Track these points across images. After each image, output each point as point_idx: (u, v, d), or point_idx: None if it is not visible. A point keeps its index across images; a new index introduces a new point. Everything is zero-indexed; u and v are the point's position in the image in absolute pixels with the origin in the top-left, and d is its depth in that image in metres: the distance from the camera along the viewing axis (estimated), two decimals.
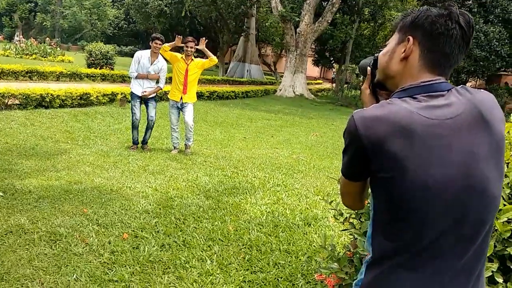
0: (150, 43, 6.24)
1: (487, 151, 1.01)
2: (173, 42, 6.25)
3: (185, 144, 6.65)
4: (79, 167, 5.08)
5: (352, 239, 2.42)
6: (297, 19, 21.81)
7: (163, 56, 6.38)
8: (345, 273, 2.22)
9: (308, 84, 24.96)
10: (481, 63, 18.48)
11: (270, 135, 9.39)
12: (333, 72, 47.44)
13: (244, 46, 32.44)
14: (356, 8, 23.94)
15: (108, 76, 14.70)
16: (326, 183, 5.90)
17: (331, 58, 29.51)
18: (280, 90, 21.85)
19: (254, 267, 3.21)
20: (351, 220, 2.60)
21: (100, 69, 15.25)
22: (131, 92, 6.34)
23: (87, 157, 5.54)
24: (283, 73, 23.11)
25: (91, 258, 2.98)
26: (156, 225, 3.70)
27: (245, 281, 2.99)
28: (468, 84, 33.83)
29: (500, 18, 18.53)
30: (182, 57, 6.31)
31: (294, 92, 21.78)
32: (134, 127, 6.41)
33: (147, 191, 4.57)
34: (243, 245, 3.55)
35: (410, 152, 0.99)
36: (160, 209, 4.10)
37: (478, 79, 27.84)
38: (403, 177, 1.00)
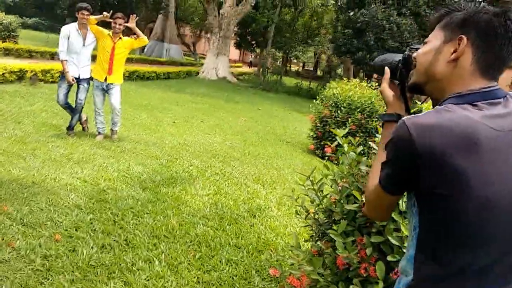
0: (76, 14, 5.58)
1: None
2: (100, 16, 5.66)
3: (111, 129, 6.13)
4: None
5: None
6: (221, 0, 21.41)
7: None
8: (319, 274, 2.13)
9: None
10: (394, 53, 19.64)
11: (200, 120, 9.08)
12: (251, 56, 47.73)
13: (163, 25, 31.12)
14: None
15: (13, 51, 13.14)
16: (263, 171, 5.82)
17: (253, 42, 29.51)
18: (203, 72, 21.38)
19: (206, 265, 3.02)
20: (316, 216, 2.50)
21: (2, 42, 13.55)
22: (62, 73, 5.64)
23: None
24: (203, 54, 22.65)
25: (21, 265, 2.56)
26: (91, 223, 3.31)
27: (199, 282, 2.79)
28: None
29: (411, 11, 19.78)
30: (109, 33, 5.76)
31: (217, 75, 21.46)
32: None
33: (75, 183, 4.10)
34: (190, 242, 3.33)
35: (474, 167, 0.87)
36: (93, 203, 3.69)
37: None
38: (464, 194, 0.88)
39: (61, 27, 5.71)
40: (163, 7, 30.13)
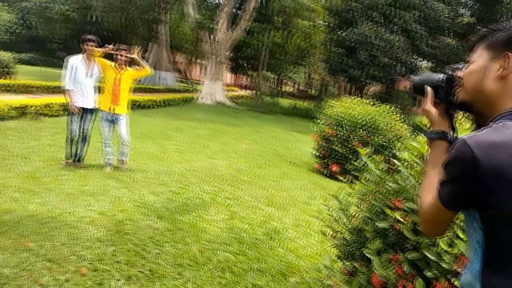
0: (83, 46, 5.69)
1: None
2: (104, 49, 5.77)
3: (121, 160, 6.16)
4: (5, 193, 4.41)
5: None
6: (213, 26, 21.75)
7: None
8: None
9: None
10: (386, 69, 19.96)
11: (204, 145, 9.13)
12: (246, 79, 48.18)
13: (156, 53, 31.53)
14: (269, 16, 24.51)
15: (13, 87, 13.23)
16: (273, 192, 5.84)
17: (247, 66, 29.86)
18: (202, 98, 21.54)
19: None
20: (349, 237, 2.52)
21: (3, 79, 13.64)
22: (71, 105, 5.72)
23: (10, 181, 4.85)
24: (197, 80, 22.89)
25: None
26: (114, 255, 3.31)
27: None
28: (370, 89, 36.39)
29: (401, 29, 20.20)
30: (112, 65, 5.86)
31: (214, 100, 21.62)
32: (71, 142, 5.83)
33: (92, 215, 4.11)
34: (214, 268, 3.33)
35: None
36: (113, 235, 3.69)
37: (380, 84, 29.95)
38: None
39: (58, 60, 5.81)
40: (155, 36, 30.57)
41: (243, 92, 39.64)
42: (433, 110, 1.28)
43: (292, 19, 26.24)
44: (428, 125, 1.32)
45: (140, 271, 3.10)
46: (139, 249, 3.48)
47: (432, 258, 1.90)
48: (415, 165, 2.29)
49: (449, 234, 1.89)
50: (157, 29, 30.05)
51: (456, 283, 1.82)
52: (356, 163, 2.56)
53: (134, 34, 30.93)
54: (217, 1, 28.56)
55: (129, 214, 4.30)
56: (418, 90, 1.36)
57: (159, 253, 3.46)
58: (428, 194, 1.15)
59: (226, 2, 21.48)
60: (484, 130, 1.00)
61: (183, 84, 35.95)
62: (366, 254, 2.11)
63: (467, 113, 1.24)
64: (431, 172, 1.21)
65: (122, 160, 6.14)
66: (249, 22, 21.90)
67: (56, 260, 3.09)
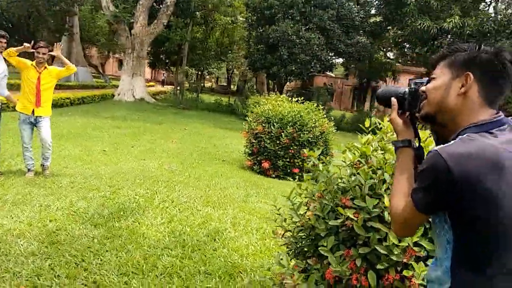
0: None
1: None
2: (21, 47, 5.33)
3: (42, 165, 5.74)
4: None
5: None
6: (131, 20, 20.94)
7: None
8: None
9: None
10: (304, 65, 20.73)
11: (130, 146, 8.82)
12: (163, 74, 47.12)
13: (68, 47, 29.51)
14: (189, 11, 24.16)
15: None
16: (209, 192, 5.84)
17: (167, 61, 29.20)
18: (119, 94, 20.67)
19: None
20: (299, 235, 2.62)
21: None
22: None
23: None
24: (113, 75, 21.94)
25: None
26: (52, 269, 3.11)
27: None
28: (289, 84, 37.57)
29: (318, 26, 21.08)
30: (32, 64, 5.43)
31: (134, 96, 20.88)
32: None
33: (20, 227, 3.80)
34: (161, 275, 3.27)
35: (503, 187, 1.06)
36: (47, 247, 3.46)
37: (298, 80, 31.01)
38: (497, 212, 1.06)
39: None
40: (67, 29, 28.63)
41: (162, 88, 38.73)
42: (398, 120, 1.40)
43: (212, 14, 26.13)
44: (395, 134, 1.43)
45: (84, 284, 2.96)
46: (78, 261, 3.30)
47: (383, 252, 2.06)
48: (359, 164, 2.45)
49: None
50: (69, 21, 28.12)
51: (405, 273, 2.00)
52: (306, 164, 2.66)
53: (43, 26, 28.70)
54: None
55: (60, 223, 4.05)
56: (381, 101, 1.48)
57: (101, 263, 3.31)
58: (400, 199, 1.27)
59: None
60: (453, 142, 1.13)
61: (99, 80, 34.19)
62: (321, 252, 2.23)
63: (429, 124, 1.37)
64: (400, 178, 1.32)
65: (45, 165, 5.73)
66: (169, 16, 21.40)
67: None
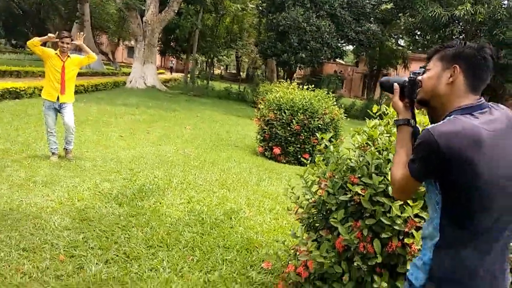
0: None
1: None
2: (45, 37, 5.61)
3: (65, 149, 6.07)
4: None
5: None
6: (143, 7, 21.14)
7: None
8: (324, 257, 2.52)
9: None
10: (316, 53, 20.83)
11: (145, 132, 9.12)
12: (171, 62, 47.33)
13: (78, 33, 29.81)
14: None
15: None
16: (224, 176, 6.13)
17: (177, 48, 29.39)
18: (131, 81, 20.96)
19: (206, 267, 3.30)
20: (312, 211, 2.89)
21: None
22: None
23: None
24: (123, 62, 22.20)
25: None
26: (86, 241, 3.43)
27: (205, 282, 3.07)
28: (299, 72, 37.56)
29: (328, 13, 21.12)
30: (56, 53, 5.71)
31: (146, 84, 21.17)
32: None
33: (52, 205, 4.13)
34: (184, 248, 3.57)
35: (482, 158, 1.30)
36: (79, 223, 3.78)
37: (308, 67, 31.06)
38: (477, 178, 1.31)
39: None
40: (78, 16, 28.90)
41: (171, 75, 39.03)
42: (400, 103, 1.65)
43: (223, 1, 26.21)
44: (396, 114, 1.68)
45: (116, 255, 3.27)
46: (108, 235, 3.62)
47: (387, 222, 2.32)
48: (367, 146, 2.70)
49: (400, 202, 2.31)
50: (80, 8, 28.38)
51: (406, 240, 2.26)
52: (319, 146, 2.92)
53: (54, 13, 29.05)
54: None
55: (88, 202, 4.37)
56: (385, 88, 1.73)
57: (129, 237, 3.62)
58: (399, 168, 1.52)
59: None
60: (442, 122, 1.38)
61: (110, 67, 34.57)
62: (332, 223, 2.50)
63: (424, 108, 1.62)
64: (400, 151, 1.58)
65: (68, 149, 6.05)
66: (179, 4, 21.55)
67: (31, 249, 3.15)
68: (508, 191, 1.36)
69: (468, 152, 1.30)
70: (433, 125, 1.39)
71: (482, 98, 1.45)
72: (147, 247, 3.49)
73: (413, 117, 1.65)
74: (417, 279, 1.49)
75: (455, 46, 1.48)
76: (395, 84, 1.66)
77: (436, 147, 1.32)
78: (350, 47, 29.16)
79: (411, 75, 1.61)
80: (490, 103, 1.48)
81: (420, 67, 1.68)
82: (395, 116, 1.71)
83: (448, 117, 1.41)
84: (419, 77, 1.58)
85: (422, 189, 2.14)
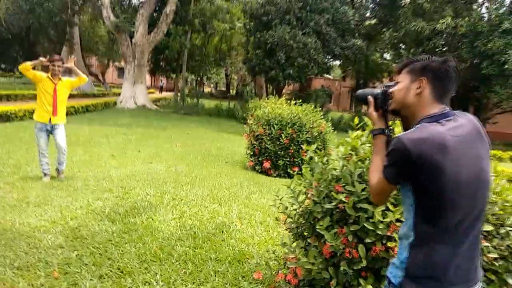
0: None
1: (485, 153, 1.54)
2: (37, 61, 5.72)
3: (57, 169, 6.13)
4: None
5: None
6: (132, 29, 21.39)
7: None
8: (312, 264, 2.62)
9: None
10: (303, 69, 21.17)
11: (137, 150, 9.19)
12: (161, 81, 47.55)
13: (69, 57, 29.93)
14: (188, 19, 24.64)
15: None
16: (215, 191, 6.21)
17: (167, 68, 29.63)
18: (121, 102, 21.08)
19: (198, 279, 3.37)
20: (299, 220, 2.99)
21: None
22: None
23: None
24: (113, 83, 22.34)
25: None
26: (80, 258, 3.48)
27: None
28: (287, 88, 37.92)
29: (314, 30, 21.54)
30: (48, 76, 5.82)
31: (136, 104, 21.29)
32: None
33: (46, 224, 4.18)
34: (176, 262, 3.64)
35: (447, 161, 1.43)
36: (72, 241, 3.83)
37: (296, 83, 31.38)
38: (443, 179, 1.43)
39: None
40: (67, 39, 29.05)
41: (161, 94, 39.17)
42: (374, 114, 1.78)
43: (211, 21, 26.58)
44: (371, 125, 1.81)
45: (110, 270, 3.33)
46: (102, 251, 3.67)
47: (370, 228, 2.43)
48: (350, 156, 2.83)
49: (382, 208, 2.43)
50: (69, 32, 28.56)
51: (389, 244, 2.37)
52: (303, 157, 3.04)
53: (44, 37, 29.16)
54: (134, 3, 27.97)
55: (81, 220, 4.42)
56: (360, 100, 1.86)
57: (122, 253, 3.68)
58: (375, 174, 1.64)
59: (144, 5, 21.19)
60: (411, 130, 1.51)
61: (100, 88, 34.65)
62: (318, 230, 2.60)
63: (396, 117, 1.75)
64: (376, 158, 1.70)
65: (60, 170, 6.11)
66: (168, 25, 21.85)
67: (25, 267, 3.20)
68: (471, 191, 1.48)
69: (435, 156, 1.42)
70: (403, 133, 1.52)
71: (447, 107, 1.58)
72: (140, 262, 3.55)
73: (387, 126, 1.78)
74: (395, 277, 1.59)
75: (422, 60, 1.62)
76: (369, 97, 1.79)
77: (406, 153, 1.44)
78: (337, 62, 29.67)
79: (384, 88, 1.75)
80: (456, 111, 1.62)
81: (390, 81, 1.82)
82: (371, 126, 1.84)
83: (417, 125, 1.54)
84: (391, 89, 1.71)
85: None
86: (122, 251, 3.74)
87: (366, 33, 25.09)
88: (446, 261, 1.49)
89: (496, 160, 14.36)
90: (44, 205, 4.80)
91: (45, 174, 5.97)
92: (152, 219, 4.68)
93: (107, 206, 4.97)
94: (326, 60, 23.73)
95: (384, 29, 24.78)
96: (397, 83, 1.69)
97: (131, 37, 21.48)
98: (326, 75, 32.48)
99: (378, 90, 1.79)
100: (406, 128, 1.66)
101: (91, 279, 3.13)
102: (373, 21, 24.93)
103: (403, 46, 24.81)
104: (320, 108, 8.95)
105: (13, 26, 31.43)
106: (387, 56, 32.12)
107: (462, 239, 1.51)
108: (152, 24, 22.59)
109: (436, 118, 1.53)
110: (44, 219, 4.33)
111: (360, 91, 1.89)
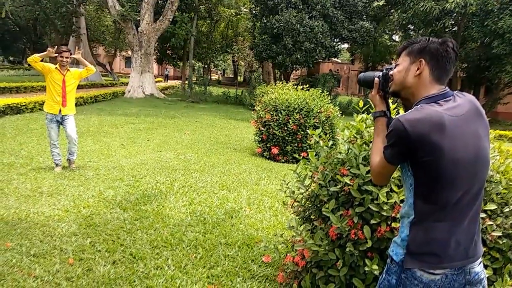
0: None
1: (484, 132, 1.56)
2: (45, 53, 5.79)
3: (69, 159, 6.24)
4: None
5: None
6: (138, 18, 21.35)
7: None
8: (318, 246, 2.67)
9: None
10: (310, 54, 21.01)
11: (146, 139, 9.29)
12: (166, 69, 47.56)
13: (76, 48, 30.03)
14: (194, 6, 24.53)
15: None
16: (224, 178, 6.28)
17: (174, 56, 29.62)
18: (129, 91, 21.17)
19: (209, 263, 3.45)
20: (306, 203, 3.03)
21: None
22: None
23: None
24: (121, 73, 22.42)
25: None
26: (93, 245, 3.58)
27: (209, 277, 3.22)
28: (295, 73, 37.70)
29: (321, 14, 21.31)
30: (56, 67, 5.89)
31: (144, 93, 21.37)
32: None
33: (59, 213, 4.29)
34: (187, 247, 3.72)
35: (445, 140, 1.46)
36: (85, 229, 3.93)
37: (304, 68, 31.21)
38: (441, 158, 1.46)
39: None
40: (74, 30, 29.13)
41: (167, 83, 39.25)
42: (377, 97, 1.80)
43: (216, 7, 26.42)
44: (373, 107, 1.84)
45: (122, 256, 3.42)
46: (114, 238, 3.77)
47: (375, 209, 2.47)
48: (355, 139, 2.86)
49: (386, 189, 2.46)
50: (76, 22, 28.61)
51: (394, 225, 2.41)
52: (309, 142, 3.07)
53: (51, 28, 29.28)
54: None
55: (93, 209, 4.52)
56: (364, 84, 1.88)
57: (134, 240, 3.78)
58: (376, 155, 1.67)
59: None
60: (410, 111, 1.53)
61: (108, 78, 34.83)
62: (324, 213, 2.65)
63: (397, 98, 1.77)
64: (377, 140, 1.73)
65: (71, 160, 6.22)
66: (174, 12, 21.77)
67: (41, 255, 3.31)
68: (470, 170, 1.51)
69: (432, 135, 1.45)
70: (401, 114, 1.54)
71: (447, 88, 1.60)
72: (152, 247, 3.64)
73: (388, 108, 1.80)
74: (397, 255, 1.63)
75: (421, 42, 1.63)
76: (376, 78, 1.81)
77: (404, 133, 1.47)
78: (345, 46, 29.40)
79: (384, 70, 1.77)
80: (455, 91, 1.63)
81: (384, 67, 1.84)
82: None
83: (415, 106, 1.56)
84: (391, 72, 1.73)
85: None
86: (134, 237, 3.83)
87: (374, 15, 24.72)
88: (446, 238, 1.53)
89: (506, 141, 14.22)
90: (57, 194, 4.91)
91: (56, 165, 6.09)
92: (163, 206, 4.77)
93: (118, 195, 5.07)
94: (334, 43, 23.48)
95: (392, 10, 24.42)
96: (397, 65, 1.70)
97: (137, 26, 21.45)
98: (334, 59, 32.21)
99: (379, 73, 1.80)
100: (407, 109, 1.68)
101: (104, 265, 3.23)
102: (381, 2, 24.52)
103: (412, 27, 24.42)
104: (328, 93, 8.92)
105: (20, 18, 31.64)
106: (396, 38, 31.73)
107: (462, 216, 1.54)
108: (157, 12, 22.53)
109: (435, 99, 1.55)
110: (58, 208, 4.44)
111: (361, 74, 1.91)
